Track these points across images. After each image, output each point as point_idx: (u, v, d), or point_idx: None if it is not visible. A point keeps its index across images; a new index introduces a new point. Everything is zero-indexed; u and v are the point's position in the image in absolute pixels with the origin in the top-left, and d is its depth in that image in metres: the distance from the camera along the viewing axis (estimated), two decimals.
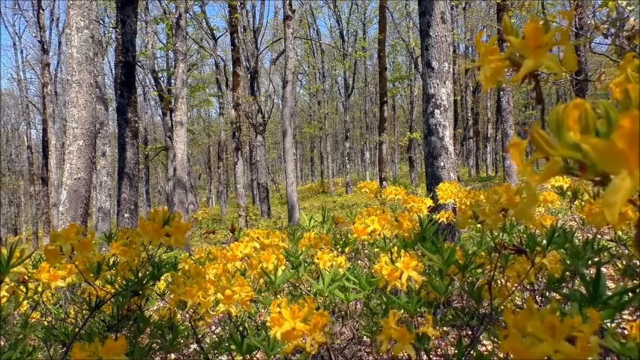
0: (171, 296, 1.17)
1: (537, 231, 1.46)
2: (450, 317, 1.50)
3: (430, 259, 1.08)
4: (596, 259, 1.20)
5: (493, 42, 0.52)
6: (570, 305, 0.74)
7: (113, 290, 1.28)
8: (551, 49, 0.49)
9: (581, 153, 0.33)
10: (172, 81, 17.09)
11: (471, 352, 1.10)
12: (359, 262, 2.06)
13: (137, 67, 9.84)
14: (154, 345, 1.38)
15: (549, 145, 0.36)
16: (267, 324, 0.83)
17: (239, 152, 14.25)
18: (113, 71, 20.74)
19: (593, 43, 6.08)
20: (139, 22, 11.55)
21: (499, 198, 0.85)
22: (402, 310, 1.05)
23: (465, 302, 1.83)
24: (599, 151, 0.31)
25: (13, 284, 1.35)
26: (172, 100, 14.11)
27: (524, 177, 0.39)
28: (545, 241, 1.11)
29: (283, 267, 1.26)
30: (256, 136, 16.15)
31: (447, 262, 1.05)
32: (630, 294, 0.72)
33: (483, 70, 0.51)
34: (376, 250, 1.46)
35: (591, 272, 1.18)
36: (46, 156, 18.25)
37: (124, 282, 1.24)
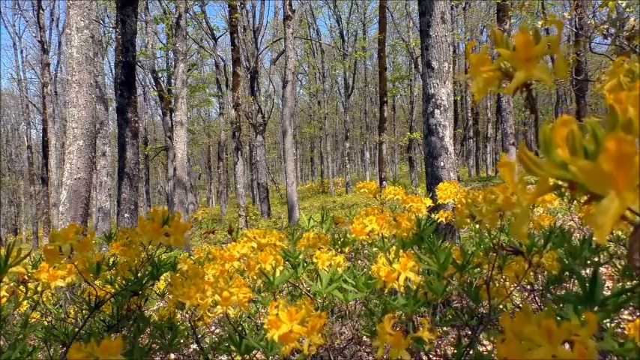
0: (170, 297, 1.17)
1: (535, 231, 1.46)
2: (450, 317, 1.50)
3: (426, 262, 1.08)
4: (594, 259, 1.20)
5: (484, 52, 0.52)
6: (567, 306, 0.74)
7: (113, 290, 1.28)
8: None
9: (569, 172, 0.34)
10: (172, 81, 17.08)
11: (470, 352, 1.10)
12: (359, 262, 2.06)
13: (137, 67, 9.84)
14: (154, 345, 1.39)
15: (537, 165, 0.36)
16: (265, 326, 0.83)
17: (239, 152, 14.26)
18: (113, 71, 20.74)
19: (593, 43, 6.08)
20: (139, 22, 11.56)
21: (496, 198, 0.86)
22: (401, 311, 1.05)
23: (464, 302, 1.83)
24: (586, 172, 0.31)
25: (12, 284, 1.35)
26: (172, 100, 14.11)
27: (516, 195, 0.39)
28: (542, 241, 1.11)
29: (281, 267, 1.26)
30: (256, 136, 16.15)
31: (443, 264, 1.05)
32: (628, 294, 0.72)
33: (475, 82, 0.52)
34: (374, 250, 1.46)
35: (589, 272, 1.17)
36: (46, 156, 18.26)
37: (123, 282, 1.24)
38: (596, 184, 0.31)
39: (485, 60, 0.52)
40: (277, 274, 1.20)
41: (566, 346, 0.48)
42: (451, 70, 3.96)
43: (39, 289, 1.32)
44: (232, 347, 1.10)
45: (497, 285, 1.25)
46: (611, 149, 0.29)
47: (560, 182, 0.35)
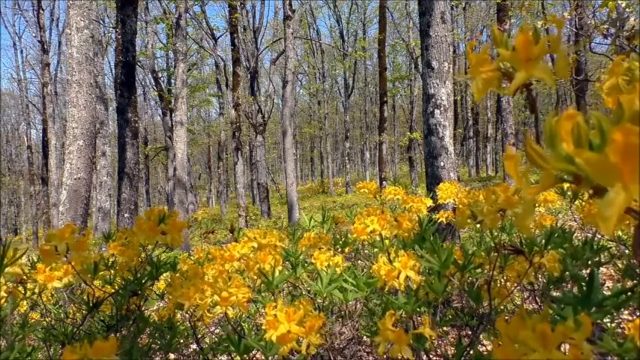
0: (169, 297, 1.17)
1: (537, 231, 1.45)
2: (450, 317, 1.50)
3: (428, 261, 1.08)
4: (595, 260, 1.20)
5: (484, 52, 0.52)
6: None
7: (112, 290, 1.28)
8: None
9: (574, 166, 0.33)
10: (172, 81, 17.08)
11: (471, 352, 1.10)
12: (359, 262, 2.05)
13: (137, 67, 9.83)
14: (154, 345, 1.38)
15: (543, 159, 0.36)
16: (263, 327, 0.83)
17: (239, 152, 14.25)
18: (113, 71, 20.73)
19: (593, 43, 6.07)
20: (139, 22, 11.54)
21: (497, 198, 0.85)
22: (401, 311, 1.05)
23: (464, 302, 1.82)
24: (592, 165, 0.31)
25: (11, 285, 1.34)
26: (172, 100, 14.09)
27: (520, 189, 0.39)
28: (544, 241, 1.10)
29: (280, 267, 1.26)
30: (256, 136, 16.15)
31: (444, 263, 1.05)
32: (627, 294, 0.72)
33: (475, 82, 0.51)
34: (375, 250, 1.46)
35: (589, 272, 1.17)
36: (46, 156, 18.26)
37: (122, 282, 1.23)
38: (601, 176, 0.30)
39: (485, 60, 0.52)
40: (276, 274, 1.20)
41: (566, 346, 0.47)
42: (451, 70, 3.96)
43: (36, 290, 1.31)
44: (231, 347, 1.09)
45: (498, 285, 1.24)
46: (618, 141, 0.29)
47: (565, 176, 0.35)
